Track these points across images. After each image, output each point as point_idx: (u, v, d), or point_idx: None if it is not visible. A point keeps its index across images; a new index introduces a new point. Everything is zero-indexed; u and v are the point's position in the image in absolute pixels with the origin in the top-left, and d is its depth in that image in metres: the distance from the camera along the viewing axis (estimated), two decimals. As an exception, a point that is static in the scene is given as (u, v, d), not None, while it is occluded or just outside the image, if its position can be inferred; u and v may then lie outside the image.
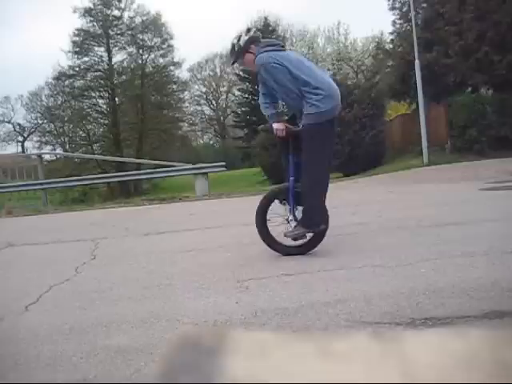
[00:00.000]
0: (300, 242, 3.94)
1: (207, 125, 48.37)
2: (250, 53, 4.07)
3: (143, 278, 3.65)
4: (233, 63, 4.32)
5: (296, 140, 3.92)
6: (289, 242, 3.95)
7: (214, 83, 46.47)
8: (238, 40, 4.09)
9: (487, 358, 0.32)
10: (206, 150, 45.52)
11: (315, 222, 3.84)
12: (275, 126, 3.97)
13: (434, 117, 15.37)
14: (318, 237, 3.93)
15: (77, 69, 36.63)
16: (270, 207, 4.10)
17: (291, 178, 4.01)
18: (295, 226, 3.91)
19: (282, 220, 4.09)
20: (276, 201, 4.13)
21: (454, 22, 14.76)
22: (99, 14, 36.51)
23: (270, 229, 4.05)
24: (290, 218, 4.01)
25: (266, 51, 3.97)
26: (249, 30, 4.21)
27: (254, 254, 4.11)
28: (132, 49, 37.66)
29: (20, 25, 60.80)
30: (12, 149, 42.60)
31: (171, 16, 67.88)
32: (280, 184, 4.32)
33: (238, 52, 4.10)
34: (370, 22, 57.64)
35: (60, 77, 36.82)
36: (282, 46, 4.18)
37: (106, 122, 37.76)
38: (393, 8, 18.16)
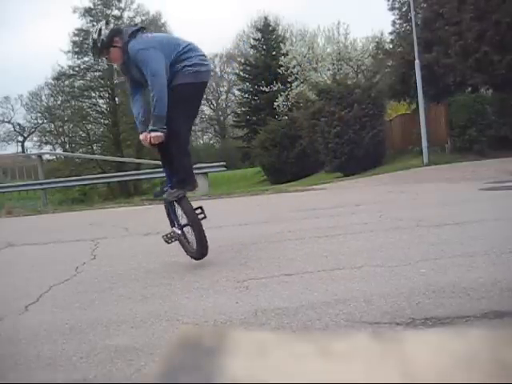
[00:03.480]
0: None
1: (207, 125, 48.37)
2: (115, 47, 3.73)
3: (143, 278, 3.65)
4: (97, 58, 4.00)
5: (163, 145, 3.76)
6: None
7: (213, 83, 46.46)
8: (99, 34, 3.70)
9: (487, 358, 0.32)
10: (206, 150, 45.50)
11: (190, 182, 3.89)
12: (140, 136, 3.78)
13: (433, 117, 15.36)
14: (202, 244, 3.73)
15: (77, 69, 36.66)
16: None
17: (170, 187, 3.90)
18: (172, 189, 3.81)
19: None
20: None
21: (454, 22, 14.76)
22: (99, 14, 36.50)
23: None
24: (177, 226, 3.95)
25: (135, 39, 3.71)
26: (108, 23, 3.87)
27: (254, 254, 4.11)
28: (132, 49, 37.61)
29: (20, 25, 60.80)
30: (12, 149, 42.64)
31: (171, 16, 67.88)
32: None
33: (102, 48, 3.72)
34: (369, 22, 57.62)
35: (60, 77, 36.85)
36: (144, 28, 3.97)
37: (106, 122, 37.76)
38: (392, 8, 18.18)
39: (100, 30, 3.73)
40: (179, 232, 3.96)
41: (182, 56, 3.75)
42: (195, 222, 3.75)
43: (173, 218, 4.04)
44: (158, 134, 3.64)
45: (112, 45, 3.71)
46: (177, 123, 3.69)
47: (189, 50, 3.81)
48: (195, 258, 3.88)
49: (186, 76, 3.72)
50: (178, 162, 3.84)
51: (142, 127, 3.81)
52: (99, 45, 3.71)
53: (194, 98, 3.90)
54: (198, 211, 3.86)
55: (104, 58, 3.93)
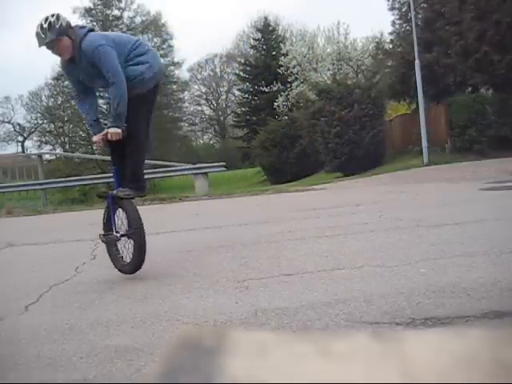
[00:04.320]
0: (128, 260, 3.66)
1: (207, 125, 48.37)
2: (68, 37, 3.49)
3: (143, 278, 3.64)
4: (43, 45, 3.48)
5: (119, 143, 3.67)
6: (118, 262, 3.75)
7: (213, 83, 46.48)
8: (58, 19, 3.44)
9: (487, 358, 0.32)
10: (206, 150, 45.50)
11: (143, 186, 3.86)
12: (95, 138, 3.70)
13: (434, 117, 15.37)
14: (138, 254, 3.53)
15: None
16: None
17: (109, 192, 3.83)
18: (125, 188, 3.67)
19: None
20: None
21: (454, 22, 14.76)
22: (99, 14, 36.53)
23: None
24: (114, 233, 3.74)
25: (88, 36, 3.53)
26: (58, 15, 3.52)
27: (254, 254, 4.11)
28: (132, 49, 37.66)
29: (20, 25, 60.81)
30: (12, 149, 42.63)
31: (171, 16, 67.91)
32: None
33: (58, 33, 3.41)
34: (369, 22, 57.64)
35: (59, 77, 36.83)
36: (93, 30, 3.79)
37: (106, 122, 37.73)
38: (392, 8, 18.18)
39: (58, 15, 3.47)
40: (115, 239, 3.72)
41: (130, 55, 3.66)
42: (139, 230, 3.49)
43: (111, 224, 3.77)
44: (118, 130, 3.59)
45: (67, 34, 3.47)
46: (135, 124, 3.69)
47: (137, 46, 3.71)
48: (125, 272, 3.64)
49: (134, 87, 3.61)
50: (133, 162, 3.75)
51: (97, 128, 3.76)
52: (57, 27, 3.40)
53: (145, 105, 3.80)
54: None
55: (49, 49, 3.52)
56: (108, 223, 3.82)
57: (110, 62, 3.48)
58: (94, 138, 3.73)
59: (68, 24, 3.52)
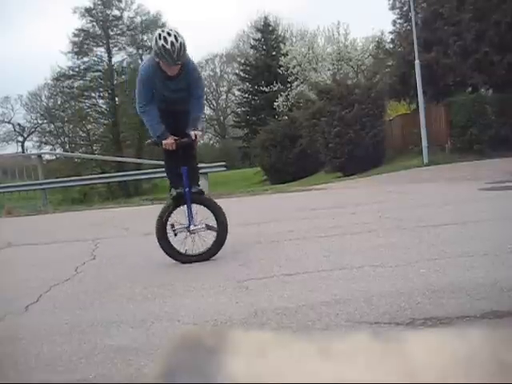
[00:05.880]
0: (202, 249, 4.08)
1: (207, 125, 48.36)
2: None
3: (143, 278, 3.65)
4: (173, 65, 3.83)
5: (185, 150, 4.12)
6: (190, 251, 4.08)
7: (213, 83, 46.45)
8: (181, 38, 3.78)
9: (487, 358, 0.32)
10: (206, 150, 45.50)
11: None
12: (167, 141, 4.00)
13: (434, 117, 15.36)
14: (218, 242, 4.06)
15: (76, 69, 36.66)
16: (170, 221, 4.14)
17: (187, 190, 4.07)
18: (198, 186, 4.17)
19: (182, 229, 4.14)
20: (174, 212, 4.17)
21: (453, 22, 14.76)
22: (99, 14, 36.52)
23: (170, 240, 4.10)
24: (192, 227, 4.11)
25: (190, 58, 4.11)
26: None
27: (254, 254, 4.11)
28: (132, 49, 37.69)
29: (19, 25, 60.78)
30: (12, 149, 42.54)
31: (171, 16, 67.82)
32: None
33: (183, 59, 3.84)
34: (370, 21, 57.65)
35: (59, 77, 36.85)
36: None
37: (106, 122, 37.76)
38: (393, 7, 18.15)
39: (179, 34, 3.81)
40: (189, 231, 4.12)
41: None
42: (225, 222, 4.03)
43: (189, 218, 4.13)
44: (201, 132, 4.25)
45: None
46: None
47: None
48: (187, 262, 3.99)
49: None
50: (195, 163, 4.32)
51: (166, 133, 4.02)
52: (186, 53, 3.85)
53: None
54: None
55: (171, 66, 3.85)
56: (167, 218, 4.11)
57: (202, 82, 4.47)
58: (168, 141, 3.99)
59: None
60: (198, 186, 4.20)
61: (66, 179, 17.39)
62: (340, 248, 4.07)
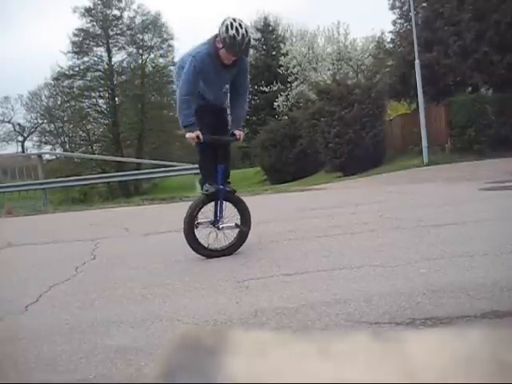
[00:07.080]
0: (226, 244, 4.16)
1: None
2: None
3: (143, 278, 3.65)
4: (235, 55, 3.90)
5: (224, 148, 4.21)
6: (214, 245, 4.14)
7: (213, 83, 46.38)
8: (247, 32, 3.86)
9: (487, 358, 0.32)
10: (206, 149, 45.38)
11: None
12: (192, 134, 3.99)
13: (434, 117, 15.36)
14: (241, 239, 4.18)
15: (76, 69, 36.67)
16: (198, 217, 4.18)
17: (222, 187, 4.12)
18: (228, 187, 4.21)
19: (208, 224, 4.21)
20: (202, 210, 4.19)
21: (453, 22, 14.75)
22: (99, 14, 36.53)
23: (197, 235, 4.14)
24: (220, 224, 4.18)
25: None
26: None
27: (254, 254, 4.11)
28: (132, 49, 37.71)
29: (19, 25, 60.79)
30: (12, 149, 42.54)
31: (171, 16, 67.88)
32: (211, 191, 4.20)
33: (247, 52, 3.98)
34: (370, 21, 57.65)
35: (59, 77, 36.84)
36: None
37: (106, 122, 37.76)
38: (393, 7, 18.15)
39: (248, 29, 3.89)
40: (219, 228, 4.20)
41: None
42: (250, 221, 4.16)
43: (216, 214, 4.21)
44: (241, 131, 4.23)
45: None
46: (227, 130, 4.26)
47: None
48: (211, 257, 4.07)
49: None
50: (229, 162, 4.34)
51: (196, 127, 4.00)
52: (249, 47, 3.93)
53: None
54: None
55: (233, 56, 3.91)
56: (197, 213, 4.15)
57: (248, 76, 4.31)
58: (192, 135, 3.98)
59: None
60: (229, 183, 4.25)
61: (65, 179, 17.39)
62: (340, 248, 4.07)
